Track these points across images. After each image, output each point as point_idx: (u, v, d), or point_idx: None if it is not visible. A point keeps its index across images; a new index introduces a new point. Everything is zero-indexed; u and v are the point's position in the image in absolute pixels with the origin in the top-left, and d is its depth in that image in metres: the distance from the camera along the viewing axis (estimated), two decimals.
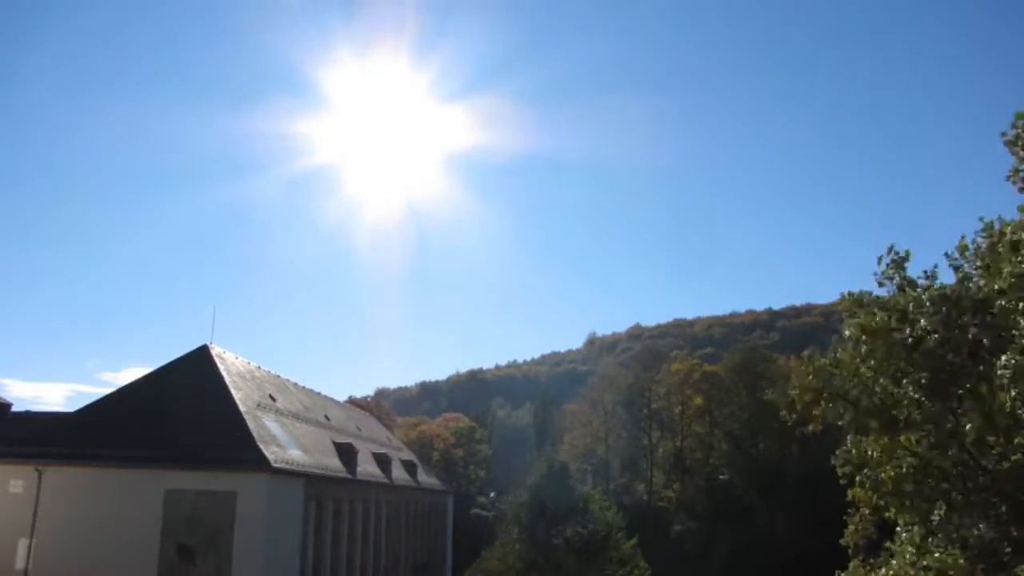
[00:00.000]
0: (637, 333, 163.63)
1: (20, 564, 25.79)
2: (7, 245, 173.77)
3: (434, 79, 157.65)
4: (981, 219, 10.53)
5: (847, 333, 11.73)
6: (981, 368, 10.09)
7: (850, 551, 13.43)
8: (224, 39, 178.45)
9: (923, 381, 10.37)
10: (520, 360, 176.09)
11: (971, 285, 10.64)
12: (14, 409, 37.56)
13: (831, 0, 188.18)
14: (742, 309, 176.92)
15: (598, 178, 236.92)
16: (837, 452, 12.71)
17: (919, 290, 11.18)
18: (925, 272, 11.48)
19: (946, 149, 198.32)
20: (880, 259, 11.69)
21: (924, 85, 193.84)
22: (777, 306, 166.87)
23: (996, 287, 9.61)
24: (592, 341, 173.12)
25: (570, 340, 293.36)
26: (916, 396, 10.53)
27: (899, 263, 11.58)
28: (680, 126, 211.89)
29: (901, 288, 11.40)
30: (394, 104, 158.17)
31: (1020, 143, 9.64)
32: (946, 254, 11.13)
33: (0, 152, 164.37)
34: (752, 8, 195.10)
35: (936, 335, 10.26)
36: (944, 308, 10.30)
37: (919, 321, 10.45)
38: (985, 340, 9.92)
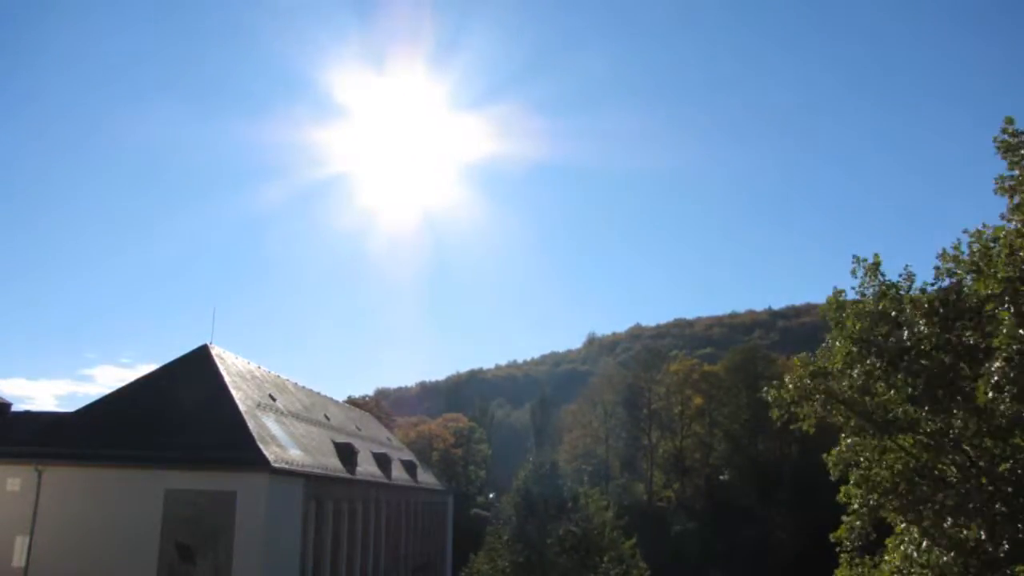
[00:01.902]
0: (637, 333, 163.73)
1: (18, 563, 25.83)
2: (16, 245, 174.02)
3: (451, 88, 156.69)
4: (965, 231, 10.82)
5: (836, 344, 11.92)
6: (973, 370, 10.16)
7: (838, 548, 13.50)
8: (239, 47, 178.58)
9: (917, 384, 10.44)
10: (520, 360, 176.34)
11: (965, 290, 10.75)
12: (14, 409, 37.59)
13: (835, 5, 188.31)
14: (742, 309, 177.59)
15: (601, 181, 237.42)
16: (829, 452, 12.80)
17: (902, 292, 11.41)
18: (901, 274, 11.75)
19: (949, 147, 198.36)
20: (854, 271, 12.01)
21: (925, 85, 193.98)
22: (777, 306, 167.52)
23: (988, 292, 9.70)
24: (592, 341, 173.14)
25: (570, 340, 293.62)
26: (910, 399, 10.60)
27: (873, 270, 11.82)
28: (683, 129, 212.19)
29: (883, 294, 11.58)
30: (410, 113, 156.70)
31: (1006, 147, 9.89)
32: (936, 267, 11.33)
33: (9, 153, 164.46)
34: (764, 17, 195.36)
35: (931, 339, 10.36)
36: (940, 312, 10.41)
37: (916, 326, 10.56)
38: (979, 343, 9.99)
